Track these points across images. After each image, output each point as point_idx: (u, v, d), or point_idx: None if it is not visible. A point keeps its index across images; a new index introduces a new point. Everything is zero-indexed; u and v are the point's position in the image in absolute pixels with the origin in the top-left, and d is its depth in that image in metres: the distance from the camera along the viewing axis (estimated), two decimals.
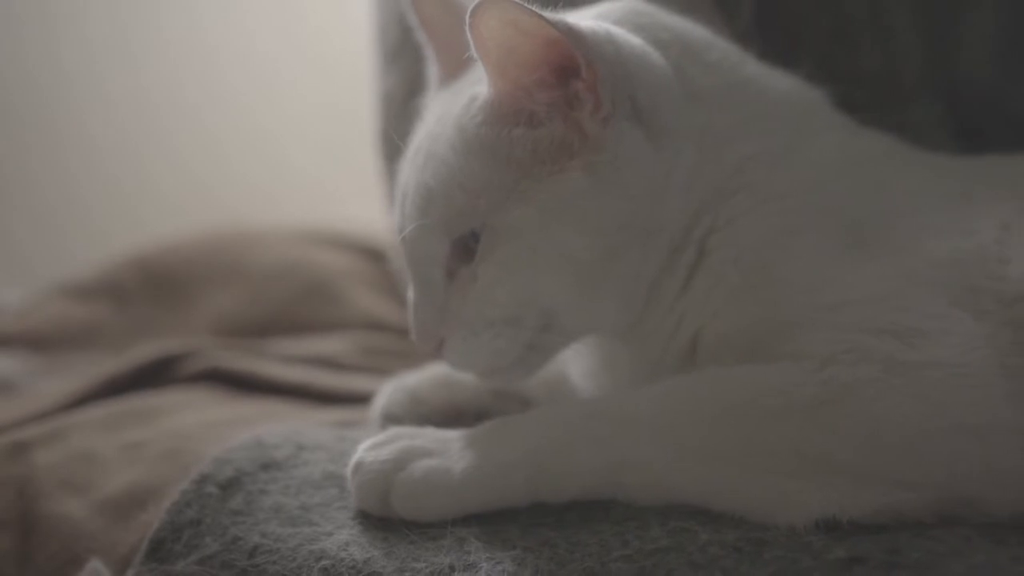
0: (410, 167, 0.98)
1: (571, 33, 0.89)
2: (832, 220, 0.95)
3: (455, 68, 1.02)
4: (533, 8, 0.88)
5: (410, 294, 0.98)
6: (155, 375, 1.38)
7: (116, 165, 2.25)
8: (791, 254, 0.93)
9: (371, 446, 0.93)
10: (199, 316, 1.64)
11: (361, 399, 1.25)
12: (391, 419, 1.02)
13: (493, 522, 0.89)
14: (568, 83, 0.92)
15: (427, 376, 1.14)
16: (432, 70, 1.07)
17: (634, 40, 0.95)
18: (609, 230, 0.93)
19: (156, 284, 1.69)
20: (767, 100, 1.02)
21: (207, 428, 1.16)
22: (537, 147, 0.92)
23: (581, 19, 0.94)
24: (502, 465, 0.90)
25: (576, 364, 1.05)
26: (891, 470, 0.84)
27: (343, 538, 0.89)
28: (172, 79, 2.25)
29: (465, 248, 0.94)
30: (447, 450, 0.91)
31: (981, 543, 0.82)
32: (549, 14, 0.89)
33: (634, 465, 0.88)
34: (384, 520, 0.91)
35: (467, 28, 0.89)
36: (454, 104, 0.97)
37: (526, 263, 0.93)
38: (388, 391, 1.14)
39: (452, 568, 0.85)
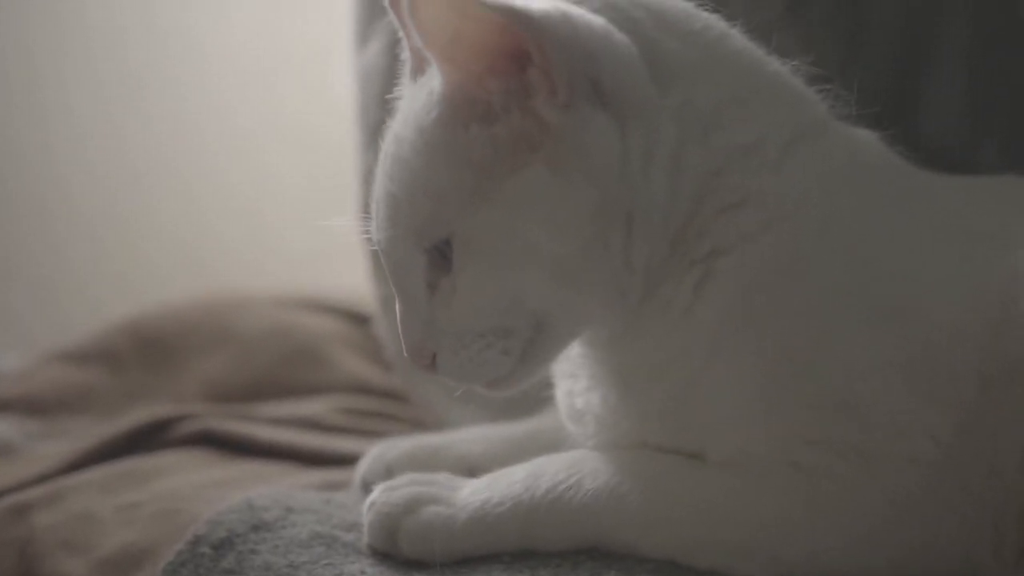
0: (380, 173, 0.93)
1: (517, 16, 0.84)
2: (837, 259, 0.91)
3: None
4: None
5: (397, 308, 0.94)
6: (149, 438, 1.40)
7: (106, 235, 2.25)
8: (785, 310, 0.90)
9: (387, 488, 0.98)
10: (190, 380, 1.64)
11: (347, 460, 1.28)
12: (368, 488, 1.04)
13: (479, 567, 0.94)
14: (524, 70, 0.86)
15: (406, 450, 1.16)
16: (405, 55, 0.99)
17: (594, 20, 0.88)
18: (582, 221, 0.87)
19: (148, 349, 1.70)
20: (758, 79, 0.95)
21: (199, 489, 1.19)
22: (496, 144, 0.87)
23: None
24: (497, 518, 0.94)
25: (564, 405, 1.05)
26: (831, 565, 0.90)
27: None
28: (158, 153, 2.25)
29: (442, 256, 0.90)
30: (452, 499, 0.96)
31: None
32: None
33: (606, 531, 0.93)
34: (375, 571, 0.95)
35: (408, 16, 0.85)
36: (417, 100, 0.91)
37: (501, 268, 0.88)
38: (368, 461, 1.16)
39: None
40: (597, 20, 0.88)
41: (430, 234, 0.90)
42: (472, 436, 1.18)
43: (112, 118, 2.25)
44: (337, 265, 1.78)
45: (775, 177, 0.92)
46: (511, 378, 0.94)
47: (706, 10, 0.96)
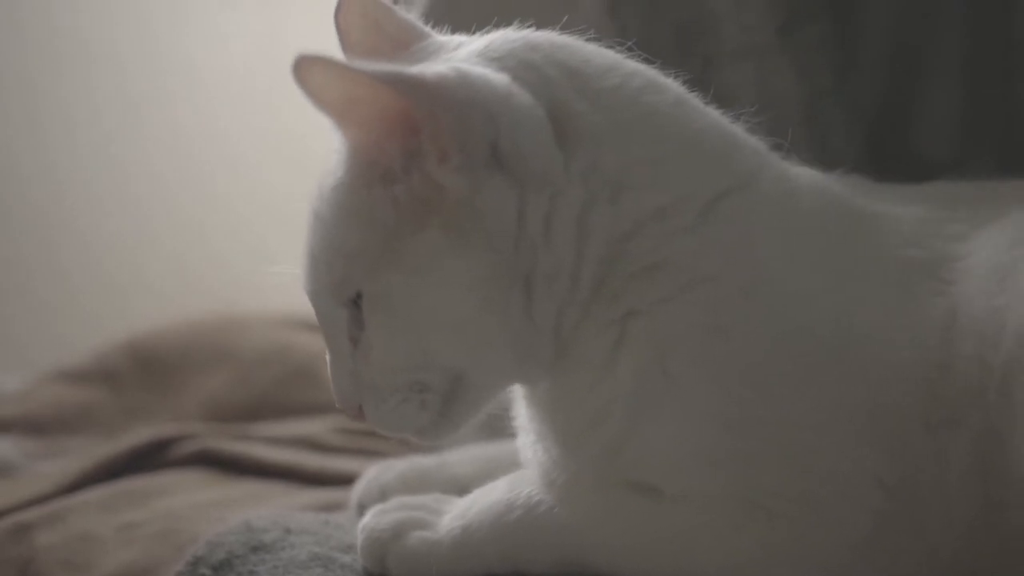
0: (306, 226, 0.92)
1: (403, 83, 0.82)
2: (765, 314, 0.88)
3: None
4: (356, 62, 0.82)
5: (327, 358, 0.94)
6: (149, 458, 1.40)
7: (105, 255, 2.27)
8: (710, 372, 0.87)
9: (378, 512, 0.99)
10: (189, 399, 1.65)
11: (345, 480, 1.28)
12: (364, 511, 1.04)
13: None
14: (421, 131, 0.84)
15: (399, 472, 1.16)
16: None
17: (497, 81, 0.86)
18: (480, 284, 0.86)
19: (147, 368, 1.71)
20: (677, 137, 0.91)
21: (199, 509, 1.20)
22: (398, 205, 0.85)
23: (443, 60, 0.89)
24: (479, 543, 0.94)
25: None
26: None
27: None
28: (156, 173, 2.27)
29: (361, 311, 0.88)
30: (437, 524, 0.97)
31: None
32: (378, 65, 0.84)
33: (582, 555, 0.93)
34: None
35: (297, 85, 0.82)
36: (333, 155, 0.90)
37: (406, 328, 0.87)
38: (363, 483, 1.16)
39: None
40: (500, 81, 0.86)
41: (343, 291, 0.89)
42: (464, 457, 1.19)
43: (110, 139, 2.27)
44: None
45: (693, 239, 0.88)
46: (434, 430, 0.93)
47: (636, 58, 0.94)
